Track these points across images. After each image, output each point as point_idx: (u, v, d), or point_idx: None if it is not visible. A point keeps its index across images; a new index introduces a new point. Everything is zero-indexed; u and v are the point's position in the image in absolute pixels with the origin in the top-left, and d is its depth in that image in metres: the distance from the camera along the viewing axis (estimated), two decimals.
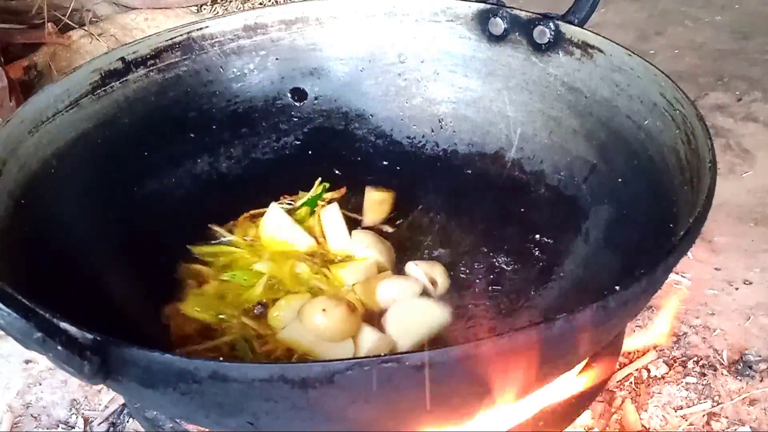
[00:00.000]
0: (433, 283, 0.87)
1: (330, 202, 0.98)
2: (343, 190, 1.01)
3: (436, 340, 0.80)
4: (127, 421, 0.94)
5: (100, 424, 0.94)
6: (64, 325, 0.51)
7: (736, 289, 1.10)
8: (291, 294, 0.85)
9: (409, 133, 1.05)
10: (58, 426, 0.94)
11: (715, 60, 1.74)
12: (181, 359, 0.52)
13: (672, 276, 1.09)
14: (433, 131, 1.04)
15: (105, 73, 0.89)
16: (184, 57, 0.97)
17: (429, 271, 0.87)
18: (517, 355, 0.54)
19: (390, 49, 1.02)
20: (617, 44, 0.86)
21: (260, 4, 2.17)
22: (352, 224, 0.95)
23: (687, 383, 0.95)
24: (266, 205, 0.96)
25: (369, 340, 0.78)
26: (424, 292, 0.86)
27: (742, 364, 0.97)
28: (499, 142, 1.00)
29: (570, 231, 0.89)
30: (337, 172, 1.03)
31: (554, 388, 0.77)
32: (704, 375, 0.96)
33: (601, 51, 0.88)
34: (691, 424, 0.90)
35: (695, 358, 0.98)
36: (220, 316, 0.83)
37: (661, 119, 0.78)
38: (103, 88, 0.89)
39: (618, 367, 0.95)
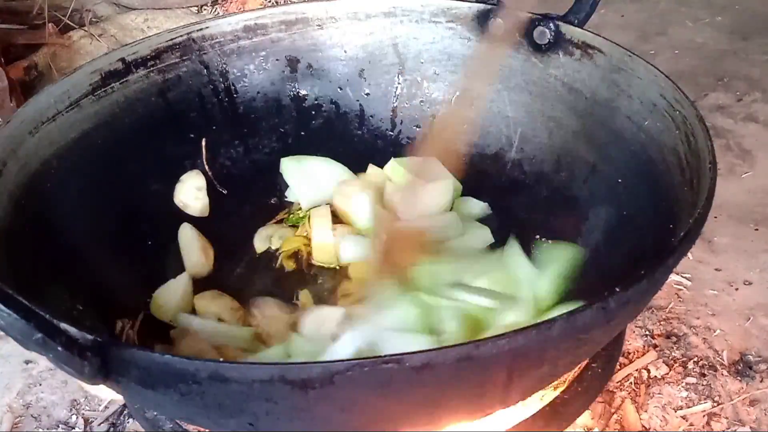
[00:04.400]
0: None
1: None
2: None
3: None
4: (127, 422, 0.94)
5: (100, 424, 0.94)
6: (64, 326, 0.51)
7: (737, 289, 1.10)
8: None
9: (409, 134, 1.05)
10: (58, 426, 0.94)
11: (715, 60, 1.74)
12: (181, 360, 0.52)
13: (672, 276, 1.09)
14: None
15: (105, 73, 0.89)
16: (184, 58, 0.97)
17: None
18: (517, 356, 0.54)
19: (390, 50, 1.02)
20: (617, 45, 0.86)
21: (260, 4, 2.17)
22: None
23: (687, 384, 0.95)
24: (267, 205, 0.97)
25: None
26: None
27: (742, 365, 0.97)
28: (500, 143, 1.00)
29: (570, 231, 0.89)
30: None
31: (554, 389, 0.77)
32: (704, 375, 0.96)
33: (601, 51, 0.88)
34: (691, 425, 0.90)
35: (695, 359, 0.98)
36: None
37: (662, 120, 0.78)
38: (103, 89, 0.89)
39: (618, 367, 0.95)
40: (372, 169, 1.00)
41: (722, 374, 0.96)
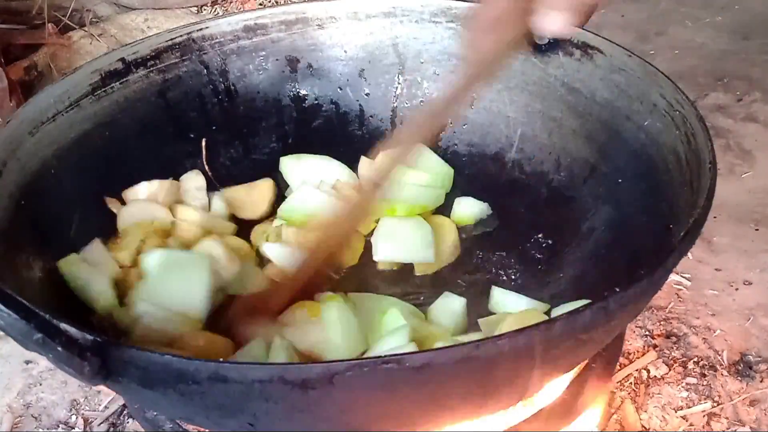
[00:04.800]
0: None
1: None
2: None
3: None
4: (127, 422, 0.94)
5: (100, 424, 0.94)
6: (64, 326, 0.51)
7: (736, 289, 1.10)
8: None
9: None
10: (58, 426, 0.94)
11: (715, 60, 1.74)
12: (181, 360, 0.52)
13: (672, 276, 1.09)
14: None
15: (105, 73, 0.89)
16: (184, 58, 0.97)
17: None
18: (517, 356, 0.54)
19: (390, 50, 1.02)
20: (617, 45, 0.86)
21: (260, 4, 2.17)
22: None
23: (687, 384, 0.95)
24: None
25: None
26: None
27: (742, 365, 0.97)
28: (499, 143, 1.00)
29: (570, 231, 0.89)
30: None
31: (554, 389, 0.77)
32: (704, 375, 0.96)
33: (601, 52, 0.88)
34: (691, 425, 0.90)
35: (695, 359, 0.98)
36: None
37: (661, 120, 0.78)
38: (103, 89, 0.89)
39: (618, 367, 0.95)
40: (364, 161, 1.00)
41: (722, 374, 0.96)
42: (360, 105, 1.05)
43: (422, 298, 0.86)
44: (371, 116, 1.05)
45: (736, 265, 1.14)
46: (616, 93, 0.86)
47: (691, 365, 0.97)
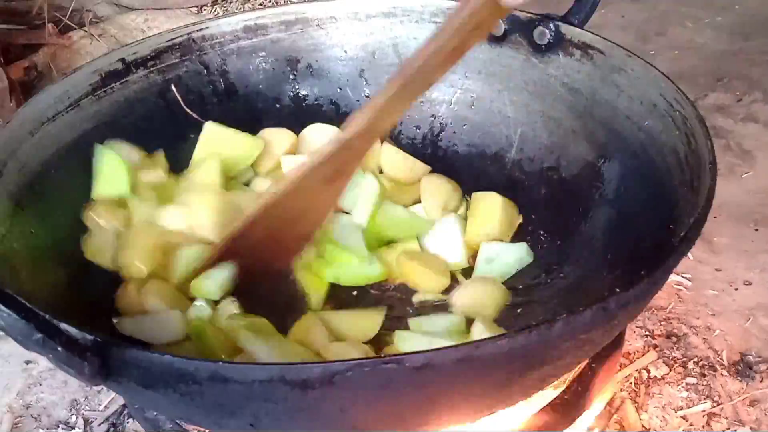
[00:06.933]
0: None
1: None
2: None
3: None
4: (127, 422, 0.94)
5: (100, 424, 0.94)
6: (64, 326, 0.51)
7: (736, 289, 1.10)
8: None
9: (409, 134, 1.05)
10: (59, 426, 0.94)
11: (715, 60, 1.74)
12: (181, 360, 0.52)
13: (672, 277, 1.09)
14: (433, 132, 1.04)
15: (105, 73, 0.89)
16: (184, 58, 0.97)
17: None
18: (517, 356, 0.54)
19: (390, 50, 1.02)
20: (617, 45, 0.86)
21: (260, 5, 2.17)
22: None
23: (687, 384, 0.95)
24: None
25: None
26: None
27: (742, 365, 0.97)
28: (500, 143, 1.00)
29: (570, 232, 0.89)
30: None
31: (554, 389, 0.77)
32: (704, 376, 0.96)
33: (601, 52, 0.88)
34: (691, 425, 0.90)
35: (695, 359, 0.98)
36: None
37: (661, 120, 0.79)
38: (103, 89, 0.89)
39: (618, 367, 0.95)
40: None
41: (722, 374, 0.96)
42: (360, 105, 1.05)
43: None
44: None
45: (736, 265, 1.14)
46: (616, 93, 0.86)
47: (691, 365, 0.98)
